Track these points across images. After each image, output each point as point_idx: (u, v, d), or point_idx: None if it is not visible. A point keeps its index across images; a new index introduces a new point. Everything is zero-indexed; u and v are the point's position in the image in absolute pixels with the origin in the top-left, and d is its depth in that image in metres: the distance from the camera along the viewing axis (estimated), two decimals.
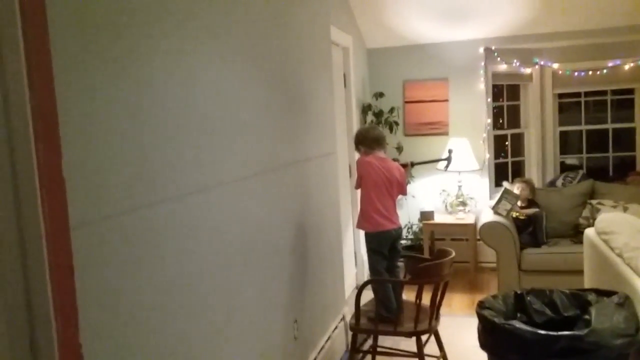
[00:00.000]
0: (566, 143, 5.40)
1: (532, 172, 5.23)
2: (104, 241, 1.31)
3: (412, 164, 3.43)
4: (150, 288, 1.48)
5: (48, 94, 1.14)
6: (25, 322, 1.15)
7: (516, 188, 4.59)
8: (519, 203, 4.55)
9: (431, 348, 2.80)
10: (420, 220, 4.95)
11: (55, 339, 1.14)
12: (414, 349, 2.69)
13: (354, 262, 4.54)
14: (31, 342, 1.15)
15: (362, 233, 4.17)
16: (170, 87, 1.61)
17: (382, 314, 2.78)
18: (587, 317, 2.35)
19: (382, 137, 3.00)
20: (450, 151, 4.18)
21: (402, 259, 3.31)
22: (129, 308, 1.40)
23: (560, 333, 2.11)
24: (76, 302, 1.19)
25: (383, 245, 2.88)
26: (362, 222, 2.92)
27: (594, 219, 4.26)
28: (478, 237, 4.47)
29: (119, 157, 1.37)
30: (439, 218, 4.90)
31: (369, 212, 2.86)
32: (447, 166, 4.08)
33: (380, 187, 2.86)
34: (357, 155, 4.46)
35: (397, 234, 2.93)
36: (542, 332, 2.12)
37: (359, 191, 2.99)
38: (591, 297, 2.46)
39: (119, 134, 1.38)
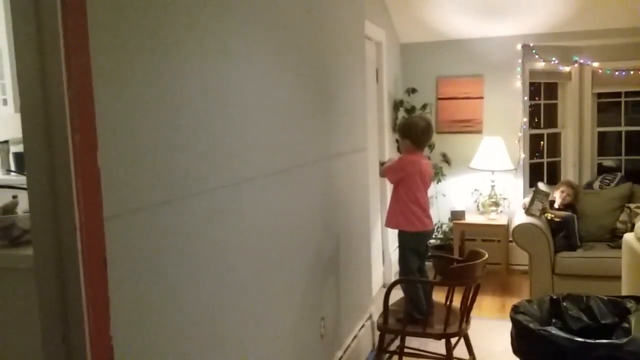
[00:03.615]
0: (604, 144, 5.23)
1: (569, 173, 5.09)
2: (135, 233, 1.30)
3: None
4: (180, 281, 1.48)
5: (85, 86, 1.14)
6: (58, 312, 1.16)
7: (560, 190, 4.47)
8: (556, 205, 4.42)
9: (460, 351, 2.75)
10: (451, 219, 4.87)
11: (86, 330, 1.14)
12: (443, 351, 2.63)
13: (381, 261, 4.50)
14: (63, 333, 1.16)
15: (392, 232, 4.12)
16: (202, 83, 1.59)
17: (414, 315, 2.73)
18: (625, 325, 2.27)
19: (432, 129, 2.89)
20: None
21: (430, 259, 3.25)
22: (160, 301, 1.39)
23: (598, 341, 2.04)
24: (108, 294, 1.19)
25: (421, 245, 2.86)
26: (403, 221, 2.82)
27: (632, 224, 4.12)
28: (510, 239, 4.37)
29: (152, 150, 1.36)
30: (470, 218, 4.80)
31: (414, 211, 2.78)
32: None
33: (423, 188, 2.84)
34: (388, 148, 4.45)
35: (432, 233, 2.98)
36: (579, 339, 2.05)
37: (388, 189, 2.94)
38: (630, 304, 2.37)
39: (153, 128, 1.37)
